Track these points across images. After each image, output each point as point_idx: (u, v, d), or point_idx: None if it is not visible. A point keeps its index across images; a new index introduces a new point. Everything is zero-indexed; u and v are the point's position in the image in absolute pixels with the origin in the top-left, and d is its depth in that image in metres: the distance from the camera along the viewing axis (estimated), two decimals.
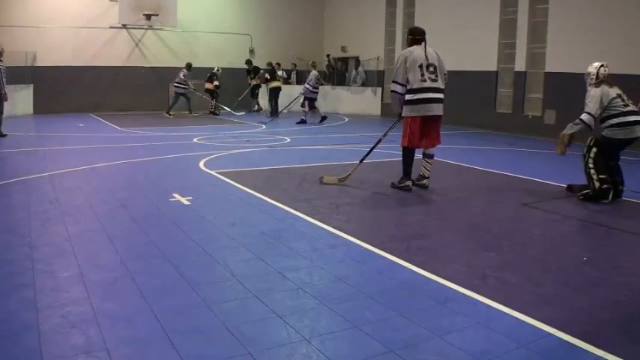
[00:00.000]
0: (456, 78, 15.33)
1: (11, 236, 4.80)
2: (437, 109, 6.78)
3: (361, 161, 7.35)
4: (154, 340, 2.94)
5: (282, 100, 17.56)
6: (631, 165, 7.93)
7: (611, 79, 6.59)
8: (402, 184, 6.93)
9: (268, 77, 18.00)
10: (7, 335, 2.95)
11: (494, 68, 14.98)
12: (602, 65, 6.55)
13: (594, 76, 6.56)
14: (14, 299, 3.43)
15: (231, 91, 18.76)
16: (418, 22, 17.34)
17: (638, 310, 3.58)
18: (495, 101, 15.09)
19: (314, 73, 16.07)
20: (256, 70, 18.84)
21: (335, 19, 21.75)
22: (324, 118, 15.98)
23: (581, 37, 12.39)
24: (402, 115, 6.87)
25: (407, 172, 6.95)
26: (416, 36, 6.98)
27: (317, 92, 16.19)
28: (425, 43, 6.88)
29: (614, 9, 11.87)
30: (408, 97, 6.76)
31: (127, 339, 2.96)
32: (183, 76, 17.35)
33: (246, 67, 19.21)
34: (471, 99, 15.29)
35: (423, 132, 6.84)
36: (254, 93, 19.15)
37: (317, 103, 16.21)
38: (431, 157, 7.11)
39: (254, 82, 18.91)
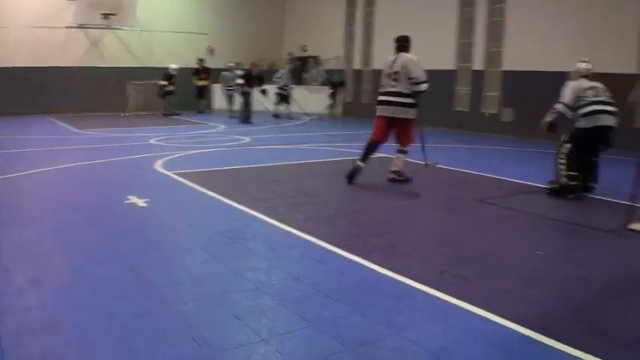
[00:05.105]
0: None
1: None
2: (392, 112, 7.33)
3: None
4: (112, 344, 2.90)
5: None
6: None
7: (592, 75, 6.75)
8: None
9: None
10: None
11: (452, 67, 15.19)
12: (582, 61, 6.86)
13: (576, 71, 6.85)
14: None
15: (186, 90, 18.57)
16: (377, 22, 17.52)
17: (592, 302, 3.68)
18: (453, 99, 15.30)
19: (238, 72, 16.89)
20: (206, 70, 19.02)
21: (295, 18, 21.73)
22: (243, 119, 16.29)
23: (536, 36, 12.69)
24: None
25: (362, 155, 7.30)
26: (395, 43, 7.53)
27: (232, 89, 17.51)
28: (399, 50, 7.39)
29: (567, 8, 12.16)
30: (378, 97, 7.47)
31: (83, 344, 2.91)
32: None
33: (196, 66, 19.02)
34: (429, 97, 15.34)
35: (391, 131, 7.42)
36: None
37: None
38: (402, 152, 7.54)
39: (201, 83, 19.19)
